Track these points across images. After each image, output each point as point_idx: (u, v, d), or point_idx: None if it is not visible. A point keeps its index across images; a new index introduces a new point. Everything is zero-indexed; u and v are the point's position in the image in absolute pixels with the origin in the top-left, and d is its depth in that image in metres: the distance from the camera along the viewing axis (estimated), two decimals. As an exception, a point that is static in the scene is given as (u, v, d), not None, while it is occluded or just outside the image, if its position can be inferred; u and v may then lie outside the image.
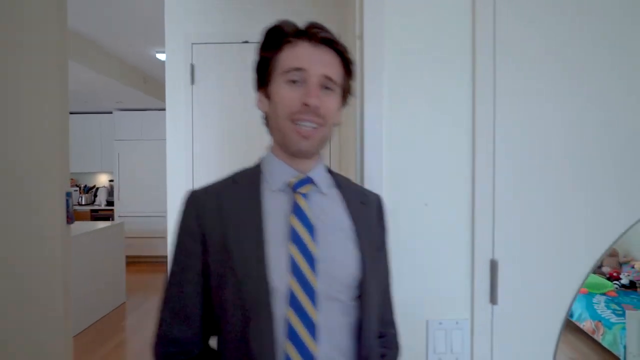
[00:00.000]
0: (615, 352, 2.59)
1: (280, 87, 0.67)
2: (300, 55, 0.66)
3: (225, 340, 0.66)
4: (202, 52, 2.00)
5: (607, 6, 0.89)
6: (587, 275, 0.88)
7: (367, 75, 0.90)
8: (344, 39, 0.72)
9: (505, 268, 0.88)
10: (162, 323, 0.68)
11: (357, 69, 0.77)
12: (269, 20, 0.70)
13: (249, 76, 0.70)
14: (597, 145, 0.89)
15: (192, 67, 2.00)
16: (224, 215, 0.66)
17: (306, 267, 0.64)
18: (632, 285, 3.31)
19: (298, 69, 0.65)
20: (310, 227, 0.66)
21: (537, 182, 0.89)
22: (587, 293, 3.19)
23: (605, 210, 0.89)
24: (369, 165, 0.90)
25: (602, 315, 2.85)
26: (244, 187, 0.70)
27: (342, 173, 0.80)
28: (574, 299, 0.89)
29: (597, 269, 3.63)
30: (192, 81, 2.00)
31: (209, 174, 1.86)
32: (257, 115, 0.75)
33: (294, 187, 0.69)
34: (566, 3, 0.89)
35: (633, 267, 3.38)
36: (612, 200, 0.89)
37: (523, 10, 0.89)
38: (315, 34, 0.67)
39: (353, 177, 0.90)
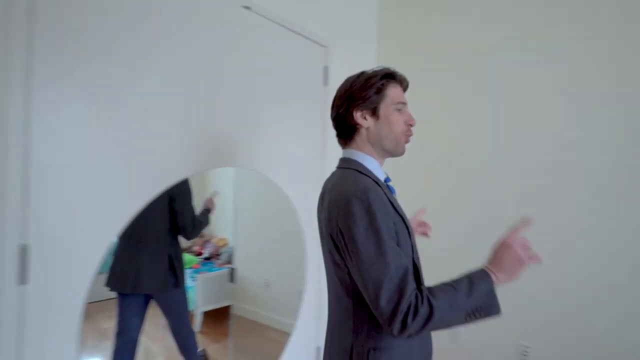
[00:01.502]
0: (191, 308, 3.48)
1: (392, 113, 1.03)
2: (402, 94, 1.06)
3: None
4: None
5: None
6: (101, 258, 1.25)
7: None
8: None
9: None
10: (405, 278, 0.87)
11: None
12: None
13: None
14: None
15: None
16: (389, 198, 0.96)
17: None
18: (211, 257, 4.47)
19: (404, 103, 1.05)
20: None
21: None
22: (181, 269, 4.00)
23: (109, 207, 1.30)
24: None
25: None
26: (375, 180, 0.99)
27: None
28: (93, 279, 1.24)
29: (189, 249, 4.61)
30: None
31: None
32: None
33: (386, 180, 1.07)
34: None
35: (211, 243, 4.57)
36: (116, 198, 1.30)
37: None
38: (406, 84, 1.08)
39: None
